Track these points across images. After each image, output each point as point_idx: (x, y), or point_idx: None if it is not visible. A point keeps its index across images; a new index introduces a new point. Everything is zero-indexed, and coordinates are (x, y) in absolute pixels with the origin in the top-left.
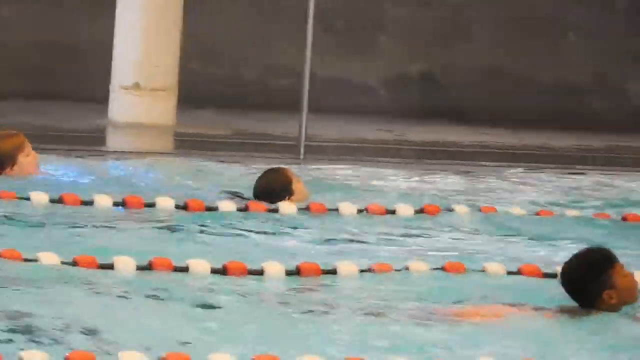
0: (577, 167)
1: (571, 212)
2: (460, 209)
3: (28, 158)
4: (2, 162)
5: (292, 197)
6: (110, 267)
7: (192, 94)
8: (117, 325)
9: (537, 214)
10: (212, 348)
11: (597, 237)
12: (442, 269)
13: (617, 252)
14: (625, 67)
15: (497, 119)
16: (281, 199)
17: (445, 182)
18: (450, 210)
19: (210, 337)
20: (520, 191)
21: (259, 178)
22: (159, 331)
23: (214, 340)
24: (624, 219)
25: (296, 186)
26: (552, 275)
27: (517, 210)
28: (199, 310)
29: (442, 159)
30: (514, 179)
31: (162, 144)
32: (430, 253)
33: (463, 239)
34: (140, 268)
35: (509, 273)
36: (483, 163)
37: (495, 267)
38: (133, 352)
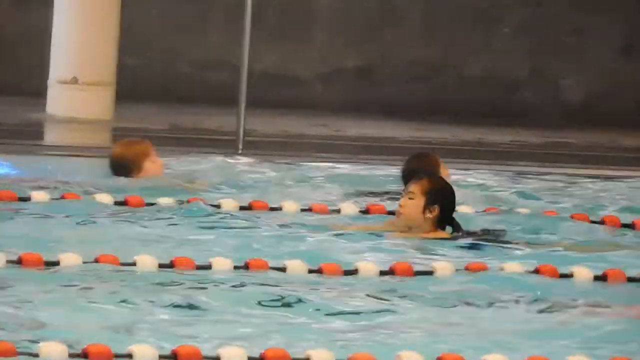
0: (510, 162)
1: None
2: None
3: (154, 164)
4: (129, 168)
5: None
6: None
7: (129, 89)
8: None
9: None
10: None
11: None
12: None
13: None
14: (558, 61)
15: (432, 113)
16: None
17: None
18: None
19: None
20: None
21: None
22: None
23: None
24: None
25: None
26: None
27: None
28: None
29: (377, 153)
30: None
31: (100, 139)
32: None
33: None
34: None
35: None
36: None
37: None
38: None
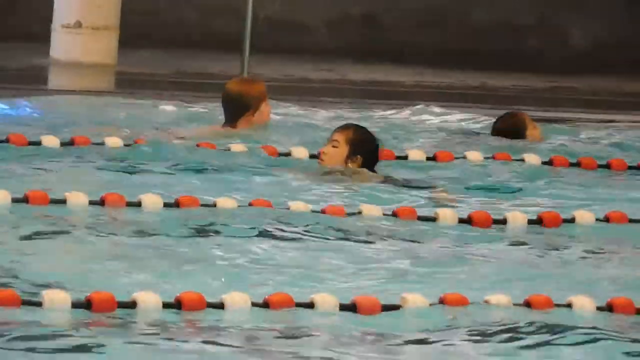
0: (514, 107)
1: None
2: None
3: (267, 107)
4: (248, 106)
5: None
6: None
7: (134, 33)
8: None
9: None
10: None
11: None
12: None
13: None
14: (565, 9)
15: (438, 59)
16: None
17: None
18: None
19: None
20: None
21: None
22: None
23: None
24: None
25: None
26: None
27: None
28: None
29: (381, 98)
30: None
31: (104, 83)
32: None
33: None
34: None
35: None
36: (422, 102)
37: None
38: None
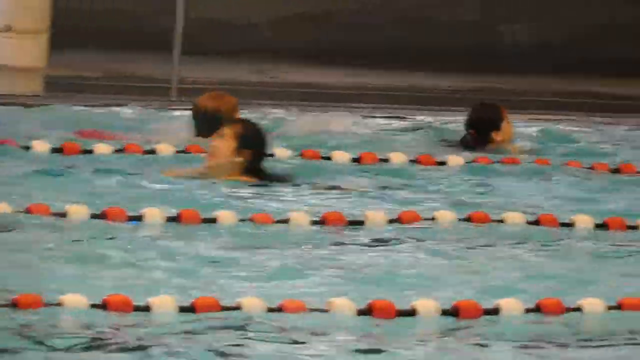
0: (452, 108)
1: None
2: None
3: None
4: (220, 121)
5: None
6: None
7: (66, 35)
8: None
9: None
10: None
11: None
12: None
13: None
14: (510, 7)
15: (377, 59)
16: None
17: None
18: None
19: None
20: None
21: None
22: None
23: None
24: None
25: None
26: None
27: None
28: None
29: (317, 100)
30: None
31: (33, 87)
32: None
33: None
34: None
35: None
36: (362, 105)
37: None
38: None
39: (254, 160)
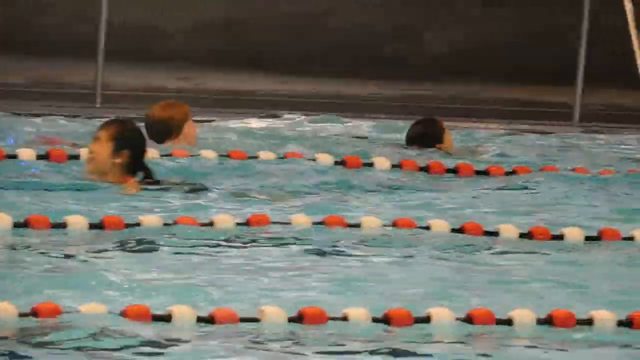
0: (372, 115)
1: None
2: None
3: (192, 129)
4: (170, 130)
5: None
6: None
7: None
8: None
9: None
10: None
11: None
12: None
13: None
14: (422, 14)
15: (298, 66)
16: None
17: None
18: None
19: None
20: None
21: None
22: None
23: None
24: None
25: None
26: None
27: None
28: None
29: (238, 107)
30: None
31: None
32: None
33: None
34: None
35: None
36: (280, 112)
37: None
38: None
39: (133, 160)
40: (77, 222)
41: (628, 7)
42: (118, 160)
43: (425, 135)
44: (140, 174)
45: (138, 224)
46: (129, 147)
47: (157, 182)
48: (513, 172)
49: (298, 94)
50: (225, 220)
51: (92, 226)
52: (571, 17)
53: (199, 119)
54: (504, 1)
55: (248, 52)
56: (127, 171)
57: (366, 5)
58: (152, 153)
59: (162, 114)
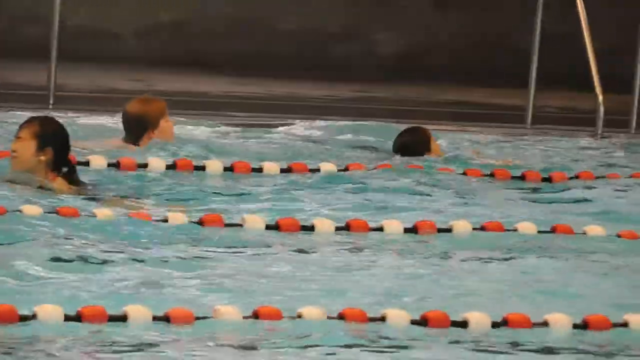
0: (326, 117)
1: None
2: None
3: (168, 124)
4: (146, 126)
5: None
6: None
7: None
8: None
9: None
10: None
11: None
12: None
13: None
14: (372, 16)
15: (248, 68)
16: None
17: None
18: None
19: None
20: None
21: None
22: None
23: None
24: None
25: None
26: None
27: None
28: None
29: (190, 108)
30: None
31: None
32: None
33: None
34: None
35: None
36: (231, 113)
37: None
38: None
39: (57, 157)
40: None
41: (581, 9)
42: (42, 158)
43: (413, 145)
44: (65, 170)
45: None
46: (53, 144)
47: (79, 182)
48: (464, 174)
49: (248, 96)
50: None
51: None
52: (524, 19)
53: None
54: (455, 4)
55: (199, 54)
56: (52, 168)
57: (315, 6)
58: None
59: (138, 109)
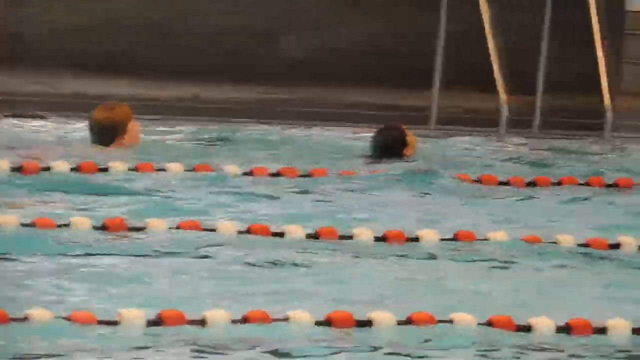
0: (230, 119)
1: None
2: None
3: (134, 128)
4: (115, 131)
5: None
6: None
7: None
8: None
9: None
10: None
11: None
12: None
13: None
14: (277, 18)
15: (151, 70)
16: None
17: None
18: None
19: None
20: None
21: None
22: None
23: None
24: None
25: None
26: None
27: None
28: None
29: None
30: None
31: None
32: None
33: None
34: None
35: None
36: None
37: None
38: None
39: None
40: None
41: (485, 11)
42: None
43: (392, 143)
44: None
45: None
46: None
47: None
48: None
49: (155, 97)
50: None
51: None
52: (428, 21)
53: (55, 124)
54: (360, 5)
55: (106, 56)
56: None
57: (223, 9)
58: None
59: (108, 116)
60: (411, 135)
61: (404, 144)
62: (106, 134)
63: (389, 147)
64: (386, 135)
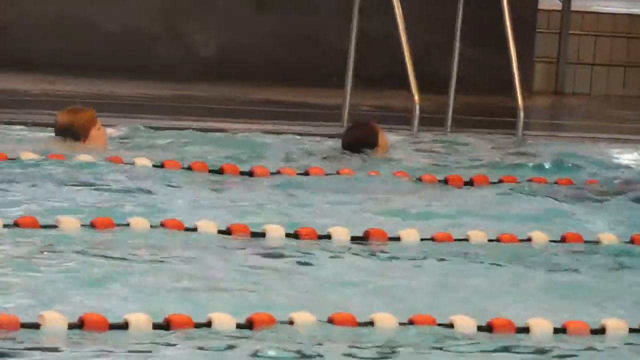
0: (142, 115)
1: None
2: None
3: (99, 132)
4: (77, 135)
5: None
6: None
7: None
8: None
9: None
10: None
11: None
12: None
13: None
14: (190, 17)
15: (70, 67)
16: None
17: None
18: None
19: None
20: None
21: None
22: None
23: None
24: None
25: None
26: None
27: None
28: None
29: (6, 107)
30: None
31: None
32: None
33: None
34: None
35: None
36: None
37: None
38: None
39: None
40: None
41: (398, 10)
42: None
43: (363, 140)
44: None
45: None
46: None
47: None
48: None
49: (68, 94)
50: None
51: None
52: (341, 20)
53: None
54: (274, 5)
55: (15, 53)
56: None
57: (137, 6)
58: None
59: (67, 120)
60: (384, 137)
61: (376, 142)
62: (69, 136)
63: (361, 144)
64: (360, 131)
